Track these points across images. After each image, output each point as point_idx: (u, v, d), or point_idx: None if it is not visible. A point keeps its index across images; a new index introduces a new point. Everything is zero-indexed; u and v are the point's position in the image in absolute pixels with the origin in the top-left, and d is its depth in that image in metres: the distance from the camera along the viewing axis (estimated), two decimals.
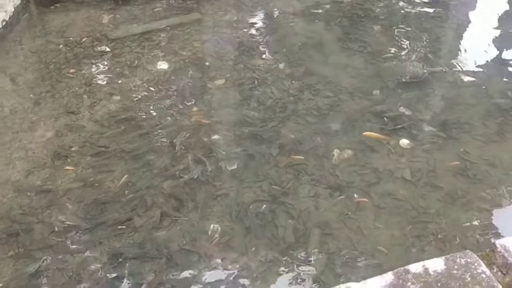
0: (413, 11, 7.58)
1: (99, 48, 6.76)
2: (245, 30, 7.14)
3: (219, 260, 3.99)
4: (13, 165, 4.88)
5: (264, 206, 4.38)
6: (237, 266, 3.93)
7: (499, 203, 4.43)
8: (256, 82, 6.01)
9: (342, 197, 4.47)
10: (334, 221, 4.26)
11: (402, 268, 2.20)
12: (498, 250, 2.29)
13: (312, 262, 3.94)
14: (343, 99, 5.65)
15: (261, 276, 3.85)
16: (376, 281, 2.14)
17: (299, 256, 3.99)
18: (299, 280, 3.82)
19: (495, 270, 2.25)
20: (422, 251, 3.98)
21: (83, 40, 6.91)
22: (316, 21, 7.31)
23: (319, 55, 6.47)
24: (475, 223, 4.23)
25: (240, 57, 6.55)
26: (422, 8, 7.64)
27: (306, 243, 4.08)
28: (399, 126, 5.23)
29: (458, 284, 2.09)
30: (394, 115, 5.40)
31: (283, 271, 3.89)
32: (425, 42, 6.82)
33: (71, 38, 6.96)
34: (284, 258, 3.97)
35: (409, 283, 2.11)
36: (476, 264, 2.18)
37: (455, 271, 2.15)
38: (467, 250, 2.29)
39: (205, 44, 6.85)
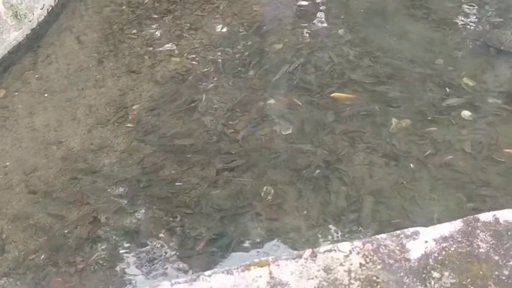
0: None
1: (160, 9, 6.87)
2: None
3: (270, 221, 4.06)
4: (78, 120, 5.11)
5: (318, 171, 4.38)
6: (288, 228, 4.00)
7: None
8: (314, 47, 5.93)
9: (398, 166, 4.40)
10: (388, 190, 4.22)
11: (471, 217, 2.18)
12: None
13: (363, 229, 3.95)
14: (403, 68, 5.48)
15: (312, 239, 3.90)
16: (446, 227, 2.14)
17: (350, 222, 4.00)
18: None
19: None
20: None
21: (146, 1, 7.02)
22: None
23: (381, 22, 6.27)
24: None
25: (299, 22, 6.46)
26: None
27: (359, 210, 4.07)
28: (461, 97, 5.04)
29: None
30: (457, 85, 5.20)
31: (334, 236, 3.92)
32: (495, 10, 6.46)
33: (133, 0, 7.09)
34: (336, 223, 4.00)
35: (479, 231, 2.09)
36: None
37: None
38: None
39: (265, 8, 6.79)
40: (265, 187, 4.30)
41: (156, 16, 6.71)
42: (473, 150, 4.49)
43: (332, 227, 3.97)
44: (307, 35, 6.19)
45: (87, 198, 4.28)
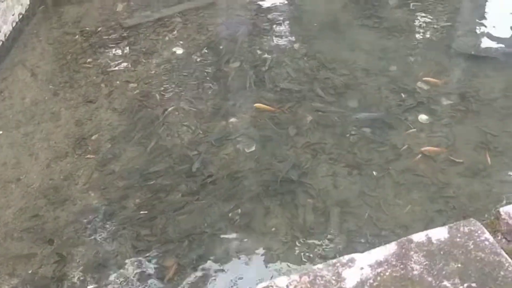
0: None
1: (114, 36, 6.82)
2: (259, 12, 7.07)
3: (240, 242, 4.03)
4: (36, 155, 4.98)
5: (284, 186, 4.38)
6: (259, 247, 3.97)
7: None
8: (272, 63, 5.98)
9: (361, 175, 4.45)
10: (353, 199, 4.25)
11: (405, 238, 2.20)
12: (503, 217, 2.26)
13: (332, 241, 3.96)
14: (359, 77, 5.58)
15: (283, 256, 3.88)
16: (380, 251, 2.14)
17: (319, 235, 4.00)
18: (320, 258, 3.83)
19: (499, 238, 2.22)
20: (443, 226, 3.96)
21: (99, 29, 6.96)
22: None
23: (335, 34, 6.38)
24: (497, 196, 4.17)
25: (255, 39, 6.52)
26: None
27: (326, 222, 4.08)
28: (417, 102, 5.16)
29: (460, 251, 2.08)
30: (412, 90, 5.33)
31: (305, 250, 3.91)
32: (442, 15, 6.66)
33: (86, 28, 7.01)
34: (305, 237, 3.99)
35: (412, 252, 2.11)
36: (479, 232, 2.16)
37: (458, 239, 2.14)
38: (471, 218, 2.27)
39: (219, 27, 6.83)
40: (232, 207, 4.27)
41: (110, 43, 6.65)
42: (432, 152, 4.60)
43: (301, 242, 3.96)
44: (264, 51, 6.25)
45: (50, 235, 4.15)
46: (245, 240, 4.04)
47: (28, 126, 5.37)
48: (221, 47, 6.43)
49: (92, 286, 3.79)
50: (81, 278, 3.85)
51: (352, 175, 4.45)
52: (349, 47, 6.05)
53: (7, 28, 6.71)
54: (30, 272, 3.87)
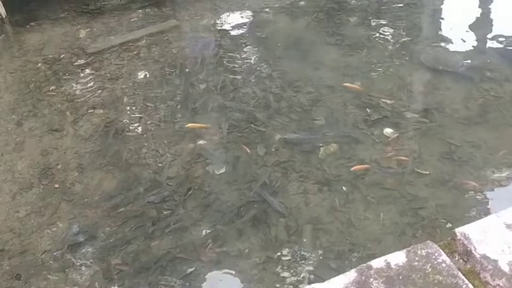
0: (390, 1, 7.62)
1: (77, 63, 6.75)
2: (223, 33, 7.14)
3: (214, 266, 3.98)
4: (0, 188, 4.84)
5: (255, 206, 4.38)
6: (233, 270, 3.93)
7: (485, 185, 4.47)
8: (238, 84, 6.02)
9: (331, 191, 4.48)
10: (325, 216, 4.28)
11: (365, 265, 2.22)
12: (458, 238, 2.30)
13: (306, 259, 3.96)
14: (324, 94, 5.67)
15: (257, 278, 3.85)
16: (340, 280, 2.16)
17: (293, 254, 4.00)
18: (295, 277, 3.83)
19: (456, 258, 2.26)
20: (414, 238, 4.02)
21: (62, 56, 6.88)
22: (293, 18, 7.32)
23: (299, 52, 6.48)
24: (464, 205, 4.27)
25: (221, 60, 6.55)
26: None
27: (300, 241, 4.09)
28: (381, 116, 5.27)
29: (419, 275, 2.12)
30: (376, 104, 5.44)
31: (279, 271, 3.90)
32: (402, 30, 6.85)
33: (49, 56, 6.92)
34: (279, 257, 3.98)
35: (372, 279, 2.12)
36: (436, 254, 2.21)
37: (416, 263, 2.17)
38: (428, 241, 2.31)
39: (184, 50, 6.85)
40: (204, 231, 4.23)
41: (74, 70, 6.57)
42: (399, 165, 4.68)
43: (275, 262, 3.94)
44: (230, 73, 6.28)
45: (17, 270, 4.02)
46: (218, 264, 4.00)
47: None
48: (186, 69, 6.44)
49: None
50: None
51: (322, 191, 4.48)
52: (314, 65, 6.15)
53: None
54: None
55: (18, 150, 5.31)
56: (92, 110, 5.83)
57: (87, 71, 6.57)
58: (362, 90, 5.62)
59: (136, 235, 4.24)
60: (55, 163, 5.10)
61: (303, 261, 3.94)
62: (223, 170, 4.84)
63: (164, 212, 4.42)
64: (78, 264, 4.05)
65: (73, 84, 6.34)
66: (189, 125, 5.42)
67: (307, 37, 6.76)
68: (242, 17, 7.56)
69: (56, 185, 4.82)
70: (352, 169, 4.67)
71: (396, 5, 7.43)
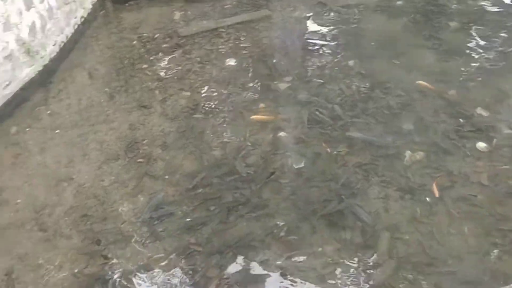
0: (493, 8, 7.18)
1: (170, 44, 6.95)
2: (314, 26, 7.05)
3: (283, 259, 3.95)
4: (89, 156, 5.09)
5: (332, 206, 4.29)
6: (302, 266, 3.88)
7: None
8: (324, 79, 5.93)
9: (414, 200, 4.30)
10: (404, 225, 4.11)
11: None
12: None
13: (380, 267, 3.82)
14: (416, 99, 5.44)
15: (327, 277, 3.78)
16: None
17: (367, 259, 3.88)
18: (366, 283, 3.71)
19: None
20: (499, 260, 3.77)
21: (156, 36, 7.12)
22: (389, 17, 7.10)
23: (392, 52, 6.27)
24: None
25: (309, 54, 6.49)
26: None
27: (375, 246, 3.95)
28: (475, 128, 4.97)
29: None
30: (470, 115, 5.14)
31: (350, 274, 3.80)
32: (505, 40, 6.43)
33: (144, 34, 7.19)
34: (351, 261, 3.88)
35: None
36: None
37: None
38: None
39: (274, 41, 6.85)
40: (278, 223, 4.21)
41: (166, 51, 6.77)
42: (490, 182, 4.40)
43: (347, 265, 3.85)
44: (317, 67, 6.20)
45: (97, 235, 4.21)
46: (288, 257, 3.96)
47: (83, 127, 5.50)
48: (274, 60, 6.43)
49: None
50: (125, 281, 3.87)
51: (404, 199, 4.31)
52: (407, 68, 5.92)
53: (69, 30, 6.97)
54: (76, 271, 3.93)
55: (108, 122, 5.56)
56: (180, 91, 5.98)
57: (178, 52, 6.75)
58: (434, 90, 5.40)
59: (211, 218, 4.29)
60: (141, 138, 5.28)
61: (376, 268, 3.80)
62: (301, 165, 4.79)
63: (240, 199, 4.44)
64: (154, 237, 4.16)
65: (164, 64, 6.54)
66: (254, 117, 5.40)
67: (402, 38, 6.52)
68: (335, 12, 7.43)
69: (141, 160, 4.99)
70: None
71: (500, 13, 6.98)
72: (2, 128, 5.45)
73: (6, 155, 5.11)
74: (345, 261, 3.85)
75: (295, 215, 4.25)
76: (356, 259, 3.87)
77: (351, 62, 6.20)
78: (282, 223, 4.21)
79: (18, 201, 4.58)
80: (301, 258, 3.92)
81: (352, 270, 3.79)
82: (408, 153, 4.76)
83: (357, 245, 3.98)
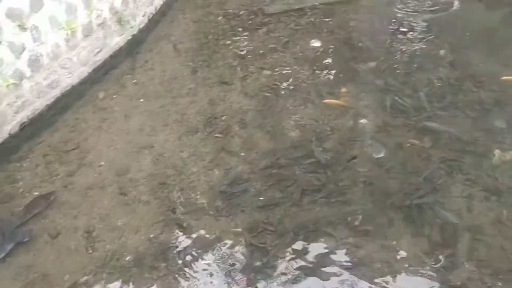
0: None
1: (254, 22, 6.92)
2: (405, 11, 6.75)
3: (355, 248, 3.86)
4: (170, 127, 5.22)
5: (411, 200, 4.13)
6: (374, 258, 3.78)
7: None
8: (412, 67, 5.67)
9: (500, 202, 4.04)
10: (488, 227, 3.88)
11: None
12: None
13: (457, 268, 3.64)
14: (511, 95, 5.08)
15: (400, 272, 3.65)
16: None
17: (444, 258, 3.71)
18: (441, 283, 3.55)
19: None
20: None
21: (241, 13, 7.12)
22: (488, 8, 6.64)
23: (488, 45, 5.87)
24: None
25: (397, 40, 6.23)
26: None
27: (454, 246, 3.77)
28: None
29: None
30: None
31: (425, 272, 3.65)
32: None
33: (229, 11, 7.22)
34: (427, 258, 3.72)
35: None
36: None
37: None
38: None
39: (361, 24, 6.63)
40: (352, 211, 4.11)
41: (250, 28, 6.76)
42: None
43: (422, 262, 3.70)
44: (405, 54, 5.95)
45: (173, 204, 4.32)
46: (361, 247, 3.86)
47: (165, 98, 5.64)
48: (360, 44, 6.24)
49: (205, 262, 3.87)
50: (196, 251, 3.95)
51: (489, 200, 4.06)
52: (504, 62, 5.53)
53: (158, 2, 7.13)
54: (151, 236, 4.06)
55: (189, 96, 5.66)
56: (261, 70, 5.96)
57: (262, 30, 6.72)
58: None
59: (284, 199, 4.27)
60: (220, 114, 5.33)
61: (453, 269, 3.63)
62: (381, 155, 4.64)
63: (316, 183, 4.38)
64: (228, 212, 4.21)
65: (247, 42, 6.54)
66: (327, 100, 5.32)
67: (501, 30, 6.09)
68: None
69: (218, 135, 5.05)
70: None
71: None
72: (91, 93, 5.71)
73: (93, 119, 5.35)
74: (420, 258, 3.70)
75: (371, 205, 4.13)
76: (432, 257, 3.71)
77: (442, 52, 5.88)
78: (358, 212, 4.11)
79: (102, 163, 4.79)
80: (374, 250, 3.81)
81: (427, 268, 3.63)
82: (497, 152, 4.47)
83: (434, 243, 3.81)
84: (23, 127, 5.03)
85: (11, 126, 4.89)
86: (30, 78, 4.94)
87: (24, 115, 5.00)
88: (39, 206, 4.30)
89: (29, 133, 5.06)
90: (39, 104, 5.16)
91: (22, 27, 4.67)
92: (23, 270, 3.83)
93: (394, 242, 3.85)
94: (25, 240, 4.03)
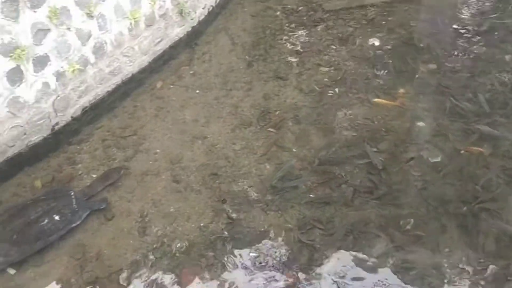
0: None
1: (313, 18, 6.88)
2: (470, 13, 6.52)
3: (405, 252, 3.79)
4: (223, 119, 5.28)
5: (466, 207, 4.01)
6: (426, 263, 3.70)
7: None
8: (475, 71, 5.48)
9: None
10: None
11: None
12: None
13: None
14: None
15: (451, 282, 3.56)
16: None
17: (498, 270, 3.58)
18: None
19: None
20: None
21: (300, 9, 7.10)
22: None
23: None
24: None
25: (459, 42, 6.04)
26: None
27: (509, 258, 3.64)
28: None
29: None
30: None
31: (477, 282, 3.54)
32: None
33: (288, 6, 7.20)
34: (480, 268, 3.61)
35: None
36: None
37: None
38: None
39: (422, 24, 6.46)
40: (404, 215, 4.04)
41: (309, 24, 6.73)
42: None
43: (475, 272, 3.59)
44: (468, 57, 5.76)
45: (224, 195, 4.39)
46: (412, 252, 3.79)
47: (221, 90, 5.71)
48: (421, 45, 6.09)
49: (253, 254, 3.91)
50: (244, 242, 3.99)
51: None
52: None
53: None
54: (202, 224, 4.14)
55: (245, 89, 5.70)
56: (317, 66, 5.93)
57: (320, 27, 6.67)
58: None
59: (335, 198, 4.25)
60: (274, 108, 5.35)
61: (507, 282, 3.50)
62: (438, 159, 4.52)
63: (368, 184, 4.33)
64: (277, 207, 4.23)
65: (305, 38, 6.51)
66: (376, 99, 5.25)
67: None
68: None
69: (271, 129, 5.07)
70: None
71: None
72: (149, 81, 5.86)
73: (150, 107, 5.49)
74: (473, 267, 3.60)
75: (424, 210, 4.04)
76: (486, 268, 3.59)
77: (508, 57, 5.65)
78: (409, 216, 4.03)
79: (157, 151, 4.92)
80: (425, 256, 3.74)
81: (478, 278, 3.53)
82: None
83: (489, 253, 3.69)
84: (85, 111, 5.23)
85: (74, 109, 5.09)
86: (94, 65, 5.13)
87: (86, 100, 5.20)
88: (110, 179, 4.57)
89: (90, 117, 5.25)
90: (101, 90, 5.35)
91: (90, 15, 4.86)
92: (79, 249, 4.00)
93: (446, 250, 3.75)
94: (102, 207, 4.28)
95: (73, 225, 4.12)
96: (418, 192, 4.22)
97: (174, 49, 6.29)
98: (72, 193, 4.25)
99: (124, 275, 3.80)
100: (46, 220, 4.00)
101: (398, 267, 3.70)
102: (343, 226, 4.00)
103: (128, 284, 3.74)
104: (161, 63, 6.11)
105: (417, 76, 5.62)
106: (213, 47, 6.55)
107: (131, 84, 5.70)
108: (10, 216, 4.04)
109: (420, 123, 4.95)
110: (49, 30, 4.48)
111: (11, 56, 4.22)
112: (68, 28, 4.67)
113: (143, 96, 5.66)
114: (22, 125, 4.59)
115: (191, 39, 6.55)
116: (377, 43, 6.19)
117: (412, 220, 3.99)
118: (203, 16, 6.79)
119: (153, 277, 3.77)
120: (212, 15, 7.02)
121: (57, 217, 4.04)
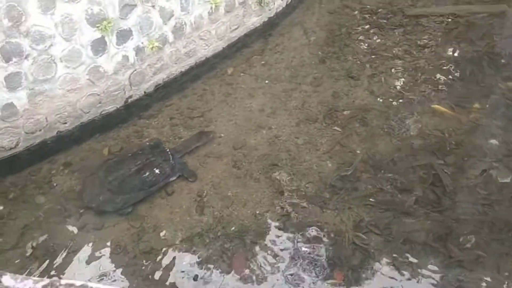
0: None
1: (391, 21, 6.75)
2: None
3: (461, 269, 3.68)
4: (289, 112, 5.29)
5: None
6: (483, 284, 3.58)
7: None
8: None
9: None
10: None
11: None
12: None
13: None
14: None
15: None
16: None
17: None
18: None
19: None
20: None
21: (379, 10, 6.97)
22: None
23: None
24: None
25: None
26: None
27: None
28: None
29: None
30: None
31: None
32: None
33: (367, 6, 7.09)
34: None
35: None
36: None
37: None
38: None
39: (507, 39, 6.18)
40: (463, 231, 3.91)
41: (387, 27, 6.60)
42: None
43: None
44: None
45: (283, 187, 4.41)
46: (470, 270, 3.67)
47: (290, 83, 5.72)
48: (502, 61, 5.84)
49: (305, 249, 3.91)
50: (298, 237, 3.99)
51: None
52: None
53: None
54: (257, 212, 4.19)
55: (314, 85, 5.68)
56: (390, 70, 5.82)
57: (398, 31, 6.53)
58: None
59: (395, 205, 4.17)
60: (342, 108, 5.30)
61: None
62: (507, 180, 4.34)
63: (431, 196, 4.22)
64: (334, 206, 4.21)
65: (381, 40, 6.39)
66: (435, 106, 5.20)
67: None
68: None
69: (337, 128, 5.03)
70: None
71: None
72: (221, 67, 5.96)
73: (219, 92, 5.59)
74: None
75: (487, 230, 3.90)
76: None
77: None
78: (468, 234, 3.90)
79: (222, 135, 5.00)
80: (483, 277, 3.61)
81: None
82: None
83: None
84: (157, 88, 5.40)
85: (148, 85, 5.27)
86: (172, 44, 5.28)
87: (160, 77, 5.36)
88: (201, 140, 4.86)
89: (161, 95, 5.42)
90: (175, 69, 5.50)
91: None
92: (138, 219, 4.16)
93: (506, 274, 3.61)
94: (191, 177, 4.51)
95: (171, 179, 4.47)
96: (483, 211, 4.07)
97: (248, 37, 6.35)
98: (168, 150, 4.55)
99: (177, 250, 3.91)
100: (147, 173, 4.34)
101: (452, 283, 3.60)
102: (400, 234, 3.93)
103: (181, 260, 3.85)
104: (235, 50, 6.19)
105: (494, 92, 5.39)
106: (287, 39, 6.56)
107: (204, 67, 5.82)
108: (108, 167, 4.42)
109: (493, 141, 4.76)
110: (135, 5, 4.65)
111: (98, 27, 4.43)
112: (153, 6, 4.82)
113: (213, 80, 5.77)
114: (99, 93, 4.80)
115: (266, 30, 6.59)
116: (455, 54, 5.99)
117: (473, 238, 3.86)
118: (280, 8, 6.81)
119: (206, 256, 3.86)
120: (290, 7, 7.03)
121: (157, 171, 4.39)
